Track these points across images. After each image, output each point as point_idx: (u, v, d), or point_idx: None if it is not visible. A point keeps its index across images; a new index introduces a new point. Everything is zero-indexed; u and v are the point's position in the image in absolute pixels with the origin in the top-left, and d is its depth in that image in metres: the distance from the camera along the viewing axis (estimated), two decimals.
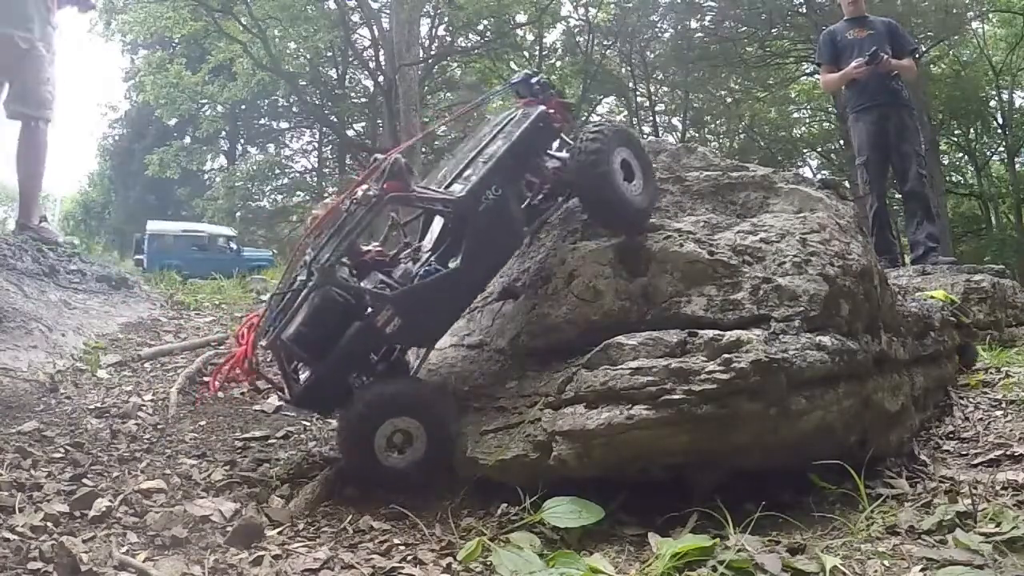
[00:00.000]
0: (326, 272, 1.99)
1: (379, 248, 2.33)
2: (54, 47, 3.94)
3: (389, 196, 2.01)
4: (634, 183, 2.18)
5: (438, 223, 2.33)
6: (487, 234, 2.08)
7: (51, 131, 4.09)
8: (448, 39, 27.80)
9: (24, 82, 3.89)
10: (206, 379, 2.91)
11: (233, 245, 15.54)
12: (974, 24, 24.47)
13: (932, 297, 3.49)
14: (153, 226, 15.83)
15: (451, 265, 2.10)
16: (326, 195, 30.33)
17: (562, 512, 1.77)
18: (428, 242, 2.36)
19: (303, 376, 2.12)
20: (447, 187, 2.14)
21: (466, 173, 2.15)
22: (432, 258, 2.22)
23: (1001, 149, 26.84)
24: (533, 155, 2.27)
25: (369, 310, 2.00)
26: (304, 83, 24.81)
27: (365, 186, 2.06)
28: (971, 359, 3.44)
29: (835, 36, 5.65)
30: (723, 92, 28.07)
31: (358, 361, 2.08)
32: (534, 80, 2.35)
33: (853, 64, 5.32)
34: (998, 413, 2.69)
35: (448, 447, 2.05)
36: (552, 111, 2.29)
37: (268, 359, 2.46)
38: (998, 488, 1.95)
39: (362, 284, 2.09)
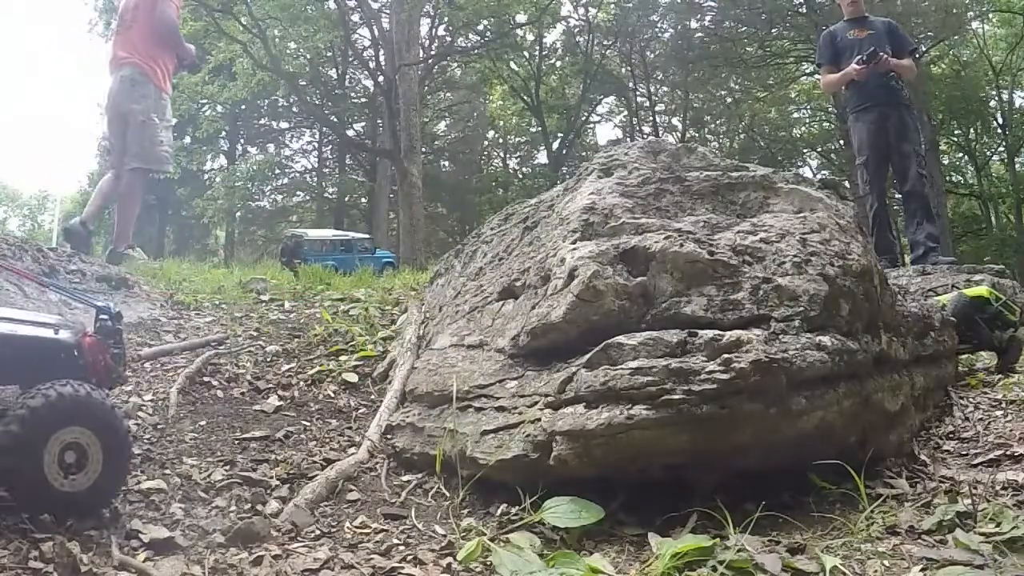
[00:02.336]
0: None
1: None
2: (167, 115, 5.13)
3: None
4: (81, 474, 1.69)
5: None
6: None
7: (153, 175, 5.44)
8: (448, 39, 27.80)
9: (142, 144, 5.05)
10: (206, 379, 2.92)
11: (369, 246, 18.55)
12: (974, 24, 24.49)
13: (978, 295, 3.35)
14: (312, 233, 19.43)
15: None
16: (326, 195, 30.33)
17: (562, 512, 1.77)
18: None
19: None
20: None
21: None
22: None
23: (1001, 149, 26.86)
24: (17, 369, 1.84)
25: None
26: (304, 83, 24.81)
27: None
28: (1015, 357, 3.24)
29: (835, 36, 5.65)
30: (723, 92, 28.12)
31: None
32: (102, 316, 2.01)
33: (852, 64, 5.33)
34: (998, 413, 2.69)
35: None
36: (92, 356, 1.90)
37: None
38: (998, 488, 1.95)
39: None
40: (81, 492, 1.69)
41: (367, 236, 20.49)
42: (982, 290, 3.47)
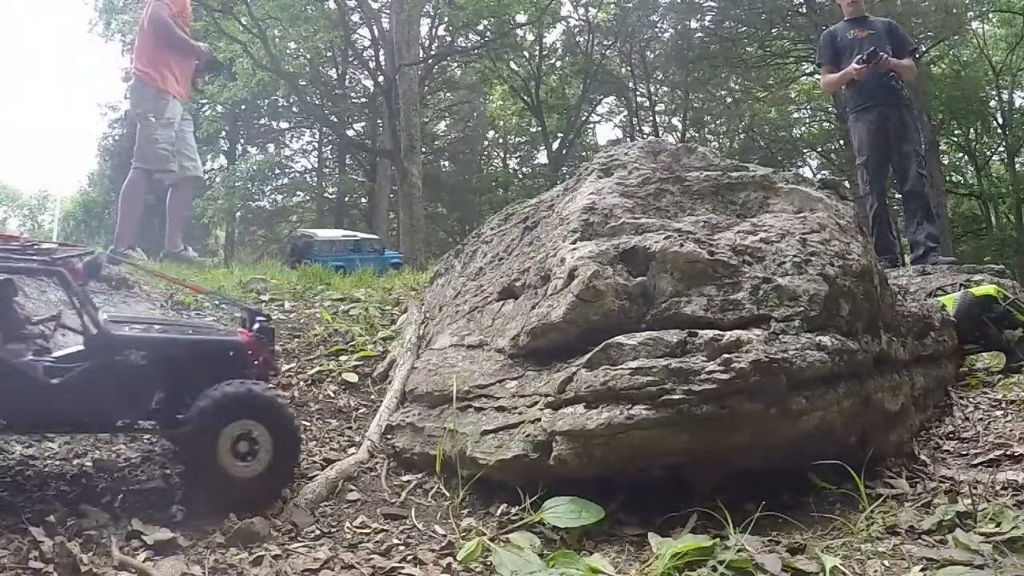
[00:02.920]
0: None
1: None
2: (167, 114, 5.04)
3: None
4: (252, 462, 1.90)
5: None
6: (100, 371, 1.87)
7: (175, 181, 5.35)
8: (448, 39, 27.79)
9: (140, 144, 5.08)
10: None
11: (377, 247, 18.80)
12: (974, 24, 24.49)
13: (985, 293, 3.27)
14: (322, 234, 19.78)
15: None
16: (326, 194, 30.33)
17: (562, 512, 1.77)
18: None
19: None
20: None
21: (151, 326, 2.13)
22: None
23: (1001, 149, 26.85)
24: (195, 368, 2.00)
25: None
26: (304, 83, 24.79)
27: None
28: (1022, 357, 3.14)
29: (835, 36, 5.64)
30: (723, 92, 28.10)
31: None
32: (259, 318, 2.23)
33: (852, 64, 5.32)
34: (998, 413, 2.69)
35: None
36: (253, 354, 2.10)
37: None
38: (998, 488, 1.95)
39: None
40: (253, 478, 1.89)
41: (375, 236, 20.69)
42: (990, 289, 3.39)
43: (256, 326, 2.18)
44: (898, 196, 6.47)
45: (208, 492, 1.89)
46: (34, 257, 1.95)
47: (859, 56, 5.28)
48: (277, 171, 29.99)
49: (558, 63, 30.83)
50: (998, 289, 3.41)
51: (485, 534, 1.78)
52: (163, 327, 2.14)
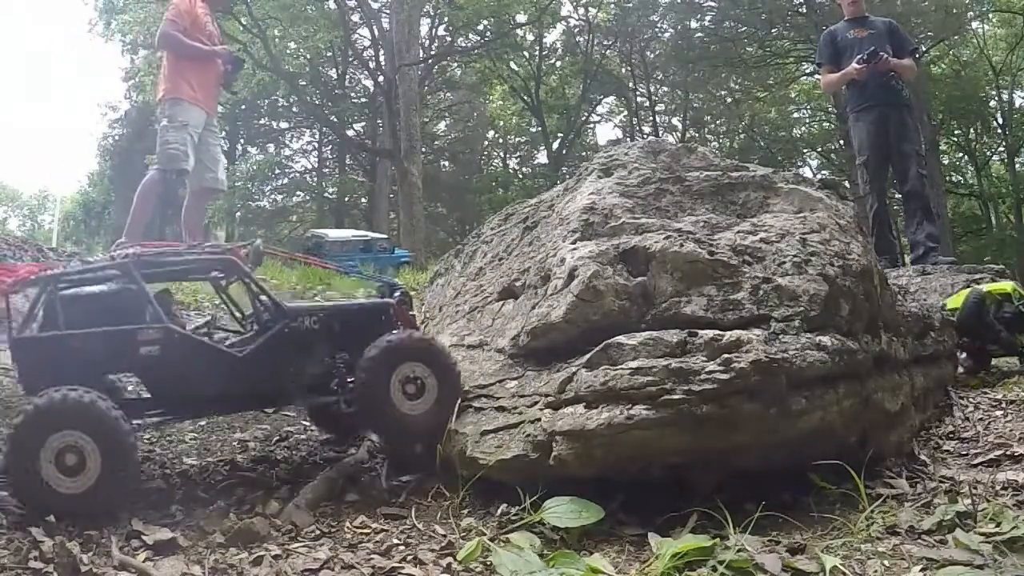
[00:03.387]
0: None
1: None
2: (180, 118, 5.10)
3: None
4: (420, 400, 2.10)
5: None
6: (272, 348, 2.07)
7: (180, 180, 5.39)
8: (448, 39, 27.80)
9: (157, 148, 5.22)
10: None
11: (387, 246, 19.13)
12: (974, 24, 24.48)
13: (1002, 289, 3.14)
14: (333, 234, 20.20)
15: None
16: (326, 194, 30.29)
17: (562, 512, 1.77)
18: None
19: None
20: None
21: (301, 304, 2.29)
22: None
23: (1001, 149, 26.85)
24: (354, 331, 2.20)
25: None
26: (304, 83, 24.81)
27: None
28: None
29: (835, 36, 5.64)
30: (723, 92, 28.09)
31: None
32: (398, 287, 2.53)
33: (853, 64, 5.32)
34: (998, 413, 2.70)
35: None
36: (399, 318, 2.33)
37: None
38: (998, 488, 1.95)
39: None
40: (420, 415, 2.09)
41: (384, 236, 20.91)
42: (1007, 285, 3.24)
43: (397, 293, 2.43)
44: (898, 196, 6.46)
45: (384, 429, 2.16)
46: (207, 251, 2.22)
47: (859, 56, 5.27)
48: (277, 171, 30.05)
49: (558, 63, 30.85)
50: (1015, 287, 3.26)
51: (485, 534, 1.78)
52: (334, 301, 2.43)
